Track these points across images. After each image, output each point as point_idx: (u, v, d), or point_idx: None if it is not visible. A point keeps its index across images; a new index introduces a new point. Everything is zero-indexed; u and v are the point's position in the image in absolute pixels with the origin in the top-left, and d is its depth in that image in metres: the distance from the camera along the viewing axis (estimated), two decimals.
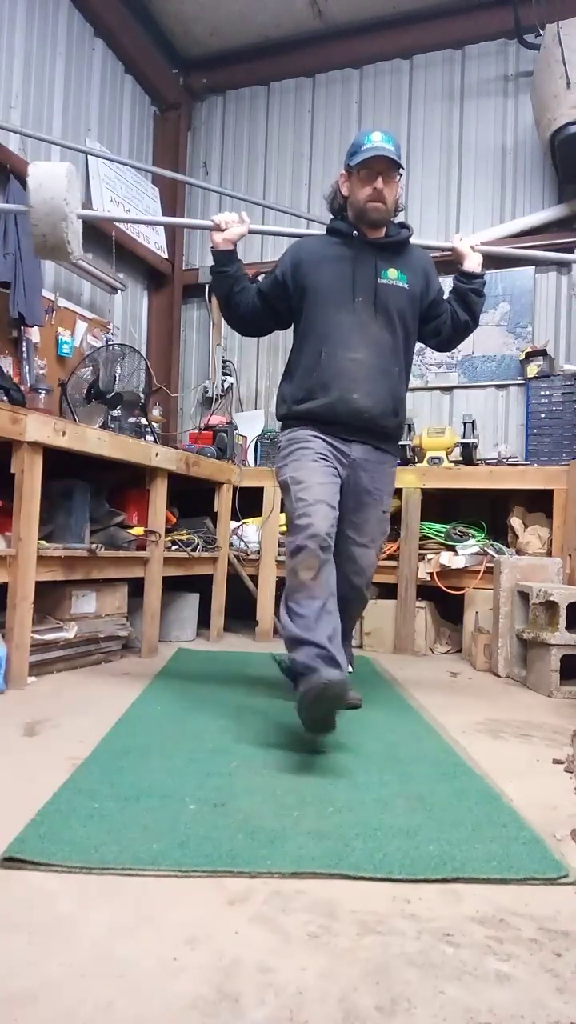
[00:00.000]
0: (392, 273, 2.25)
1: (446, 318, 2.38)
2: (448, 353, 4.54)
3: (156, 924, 1.02)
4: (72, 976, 0.89)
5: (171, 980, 0.89)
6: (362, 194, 2.19)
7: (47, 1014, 0.82)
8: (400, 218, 2.37)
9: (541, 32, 3.92)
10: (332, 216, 2.34)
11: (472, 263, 2.36)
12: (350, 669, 2.43)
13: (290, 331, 2.43)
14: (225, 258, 2.30)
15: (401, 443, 4.04)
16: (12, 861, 1.16)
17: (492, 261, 4.46)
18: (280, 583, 3.73)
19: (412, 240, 2.34)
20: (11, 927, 0.99)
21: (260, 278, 2.41)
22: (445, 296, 2.41)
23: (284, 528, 2.33)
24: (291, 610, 1.96)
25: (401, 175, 2.25)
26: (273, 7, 4.54)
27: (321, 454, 2.20)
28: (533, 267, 4.39)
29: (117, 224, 4.34)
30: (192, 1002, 0.85)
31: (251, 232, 2.37)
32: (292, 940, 0.99)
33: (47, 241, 2.11)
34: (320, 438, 2.23)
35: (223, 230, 2.27)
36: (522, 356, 4.31)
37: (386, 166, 2.16)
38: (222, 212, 2.34)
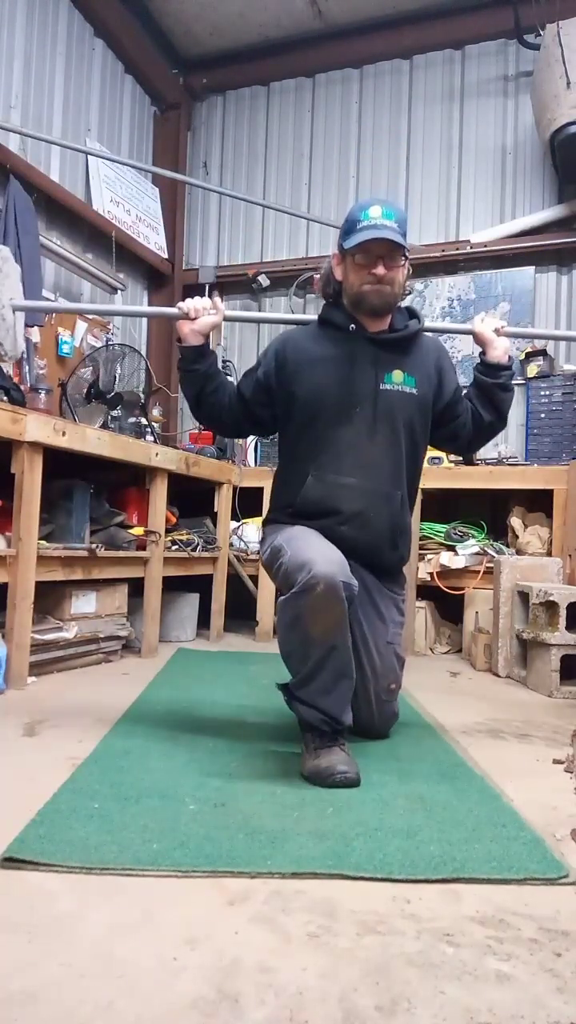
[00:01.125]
0: (397, 376, 1.88)
1: (465, 419, 2.00)
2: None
3: (156, 924, 1.02)
4: (72, 976, 0.89)
5: (171, 980, 0.89)
6: (359, 281, 1.83)
7: (47, 1014, 0.82)
8: (407, 301, 2.02)
9: (541, 32, 3.92)
10: (325, 302, 1.97)
11: (497, 351, 1.97)
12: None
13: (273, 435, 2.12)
14: (194, 354, 1.92)
15: None
16: (12, 861, 1.16)
17: (492, 261, 4.50)
18: None
19: (424, 326, 1.99)
20: (11, 927, 0.99)
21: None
22: (465, 392, 2.03)
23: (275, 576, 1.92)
24: (298, 663, 1.67)
25: (407, 258, 1.86)
26: (273, 7, 4.55)
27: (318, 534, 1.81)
28: (533, 267, 4.39)
29: (116, 224, 4.34)
30: (192, 1002, 0.85)
31: (227, 320, 2.04)
32: (292, 940, 0.99)
33: None
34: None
35: (192, 319, 1.92)
36: (522, 356, 4.31)
37: (388, 249, 1.80)
38: (190, 298, 1.97)
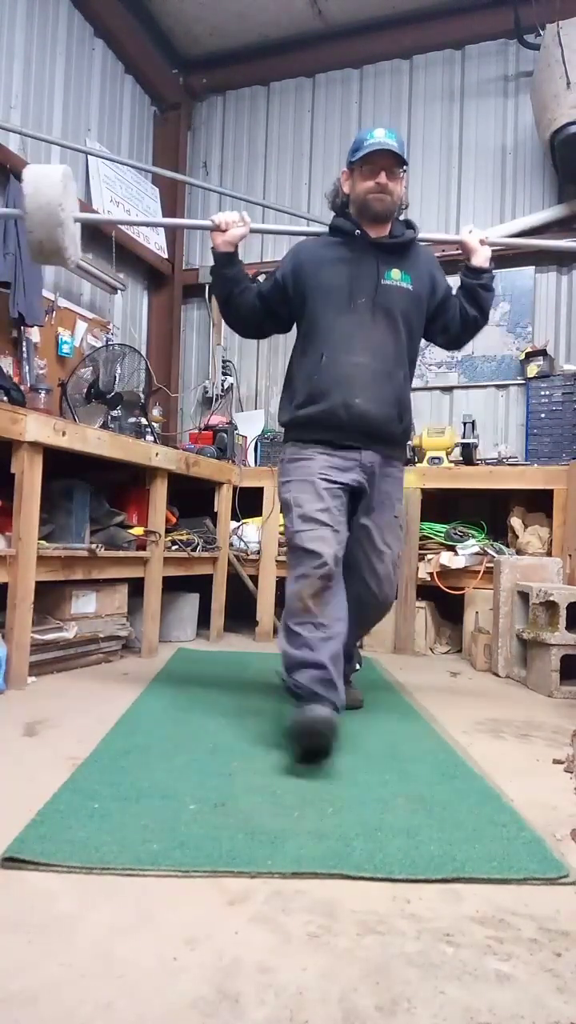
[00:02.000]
0: (395, 274, 2.17)
1: (454, 315, 2.30)
2: (448, 353, 4.55)
3: (156, 924, 1.02)
4: (72, 976, 0.89)
5: (171, 980, 0.89)
6: (364, 187, 2.12)
7: (47, 1014, 0.82)
8: (405, 216, 2.31)
9: (541, 32, 3.92)
10: (334, 214, 2.27)
11: (480, 258, 2.27)
12: (358, 667, 2.47)
13: (290, 331, 2.38)
14: (225, 260, 2.23)
15: None
16: (12, 861, 1.17)
17: (492, 261, 4.48)
18: (280, 583, 3.74)
19: (419, 236, 2.28)
20: (11, 927, 0.99)
21: (261, 278, 2.38)
22: (454, 292, 2.33)
23: (284, 529, 2.22)
24: (291, 631, 1.92)
25: (406, 171, 2.19)
26: (273, 7, 4.55)
27: (323, 474, 2.09)
28: (533, 267, 4.39)
29: (117, 224, 4.33)
30: (192, 1002, 0.85)
31: (253, 232, 2.30)
32: (292, 940, 0.99)
33: (44, 247, 2.06)
34: (323, 453, 2.13)
35: (223, 231, 2.20)
36: (522, 356, 4.31)
37: (390, 161, 2.11)
38: (222, 212, 2.26)
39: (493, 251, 2.30)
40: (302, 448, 2.17)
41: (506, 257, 4.39)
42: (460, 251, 2.32)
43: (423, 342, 2.38)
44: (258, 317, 2.30)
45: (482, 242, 2.28)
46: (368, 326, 2.15)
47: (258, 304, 2.27)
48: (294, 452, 2.20)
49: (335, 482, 2.10)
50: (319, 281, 2.19)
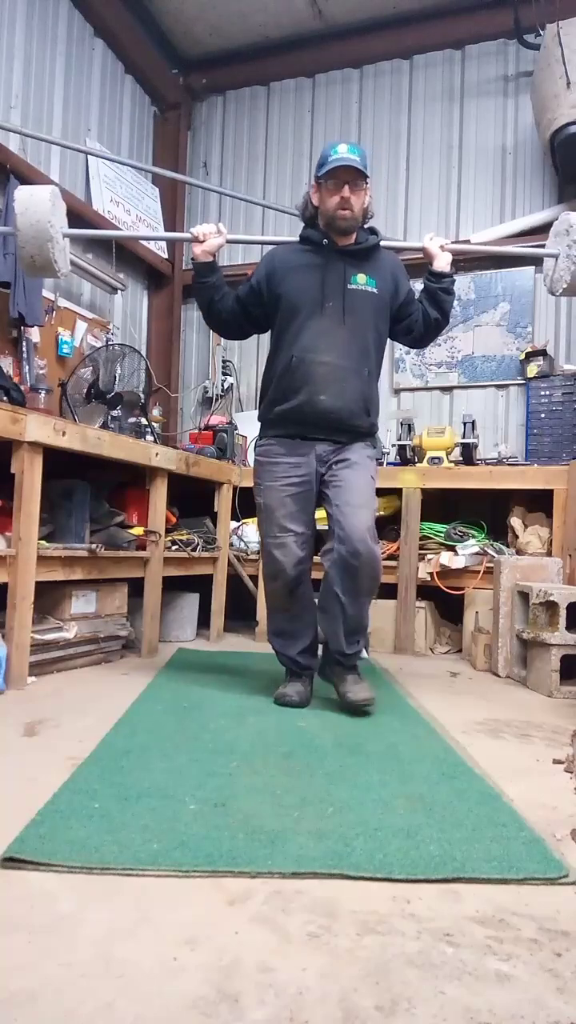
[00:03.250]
0: (361, 278, 2.33)
1: (417, 316, 2.44)
2: (448, 353, 4.55)
3: (156, 924, 1.02)
4: (72, 976, 0.89)
5: (171, 980, 0.89)
6: (330, 203, 2.28)
7: (47, 1014, 0.82)
8: (371, 224, 2.45)
9: (541, 32, 3.92)
10: (304, 225, 2.42)
11: (441, 263, 2.42)
12: (364, 655, 2.49)
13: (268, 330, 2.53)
14: (205, 269, 2.39)
15: (401, 443, 4.05)
16: (12, 861, 1.16)
17: (492, 261, 4.49)
18: None
19: (383, 244, 2.42)
20: (11, 927, 0.99)
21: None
22: (417, 296, 2.48)
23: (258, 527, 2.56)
24: (272, 622, 2.52)
25: (367, 183, 2.32)
26: (273, 7, 4.55)
27: (286, 476, 2.37)
28: (533, 267, 4.39)
29: (116, 224, 4.33)
30: (192, 1002, 0.85)
31: (230, 242, 2.46)
32: (292, 940, 0.99)
33: (35, 261, 2.21)
34: (286, 454, 2.38)
35: (202, 241, 2.36)
36: (522, 356, 4.31)
37: (353, 175, 2.26)
38: (202, 224, 2.43)
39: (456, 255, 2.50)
40: (269, 446, 2.42)
41: (507, 258, 4.40)
42: (422, 256, 2.46)
43: (390, 342, 2.55)
44: (238, 320, 2.47)
45: (443, 248, 2.43)
46: (336, 328, 2.31)
47: (237, 308, 2.44)
48: (263, 452, 2.45)
49: (297, 479, 2.36)
50: (290, 286, 2.35)
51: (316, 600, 2.45)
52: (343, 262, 2.34)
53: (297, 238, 2.43)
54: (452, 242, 2.56)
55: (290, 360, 2.33)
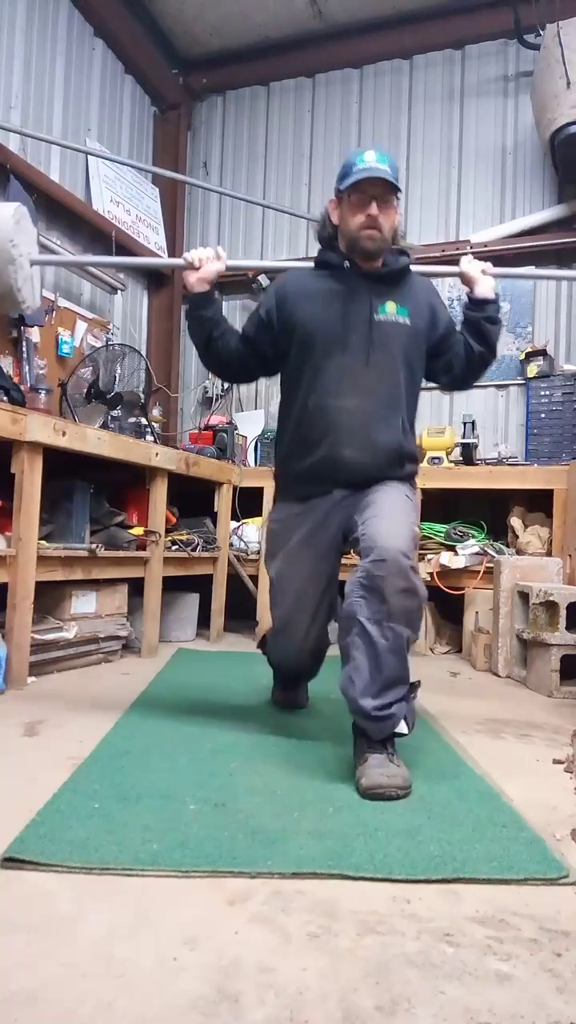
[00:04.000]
0: (390, 307, 1.94)
1: (459, 351, 2.05)
2: None
3: (156, 924, 1.02)
4: (72, 976, 0.89)
5: (171, 980, 0.89)
6: (354, 222, 1.88)
7: (47, 1014, 0.82)
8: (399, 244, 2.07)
9: (541, 32, 3.92)
10: (321, 246, 2.05)
11: (484, 288, 2.04)
12: (403, 729, 1.70)
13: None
14: (201, 300, 2.02)
15: None
16: (12, 861, 1.16)
17: (492, 261, 4.46)
18: None
19: (413, 267, 2.05)
20: (11, 927, 0.99)
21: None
22: (458, 327, 2.09)
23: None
24: (275, 670, 2.32)
25: (399, 199, 1.95)
26: (273, 7, 4.54)
27: (303, 542, 1.97)
28: (533, 267, 4.38)
29: (116, 224, 4.34)
30: (192, 1002, 0.85)
31: (230, 268, 2.12)
32: (292, 940, 0.99)
33: None
34: (304, 520, 1.98)
35: (197, 268, 2.01)
36: (522, 356, 4.31)
37: (381, 189, 1.86)
38: (198, 248, 2.06)
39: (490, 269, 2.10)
40: (285, 516, 2.04)
41: (506, 257, 4.40)
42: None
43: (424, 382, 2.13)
44: (243, 361, 2.10)
45: (484, 271, 2.07)
46: (361, 367, 1.92)
47: (242, 347, 2.07)
48: (277, 516, 2.08)
49: (317, 547, 1.97)
50: (306, 318, 1.97)
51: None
52: (368, 288, 1.94)
53: (311, 261, 2.05)
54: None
55: (306, 406, 1.95)
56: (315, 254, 2.04)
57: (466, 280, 2.08)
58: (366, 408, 1.92)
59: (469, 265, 2.08)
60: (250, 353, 2.07)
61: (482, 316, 2.03)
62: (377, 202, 1.86)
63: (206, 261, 2.02)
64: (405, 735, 1.70)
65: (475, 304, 2.05)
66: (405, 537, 1.70)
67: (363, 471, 1.92)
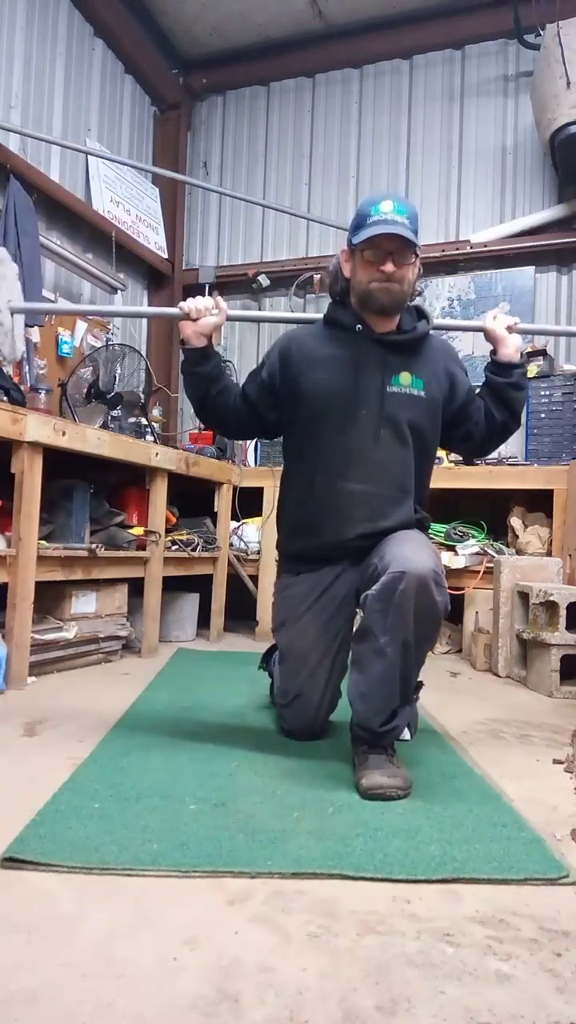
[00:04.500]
0: (405, 378, 1.81)
1: (479, 419, 1.92)
2: None
3: (156, 924, 1.02)
4: (72, 976, 0.89)
5: (171, 980, 0.89)
6: (367, 277, 1.75)
7: (47, 1014, 0.82)
8: (416, 302, 1.92)
9: (541, 32, 3.92)
10: (332, 301, 1.91)
11: (509, 349, 1.89)
12: (406, 736, 1.80)
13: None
14: (198, 356, 1.87)
15: None
16: (12, 861, 1.16)
17: (492, 261, 4.50)
18: None
19: (432, 328, 1.90)
20: (11, 927, 0.99)
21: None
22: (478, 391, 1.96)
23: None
24: (280, 706, 2.01)
25: (418, 256, 1.79)
26: (273, 7, 4.55)
27: (312, 610, 1.86)
28: (533, 267, 4.39)
29: (116, 224, 4.34)
30: (192, 1002, 0.85)
31: (230, 320, 1.99)
32: (292, 940, 0.99)
33: None
34: (313, 581, 1.88)
35: (194, 320, 1.86)
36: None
37: (398, 246, 1.71)
38: (192, 298, 1.90)
39: (511, 328, 1.92)
40: (293, 586, 1.92)
41: (506, 257, 4.41)
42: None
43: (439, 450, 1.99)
44: (242, 422, 1.98)
45: (510, 329, 1.90)
46: (370, 444, 1.78)
47: (241, 406, 1.94)
48: (283, 584, 1.96)
49: (327, 609, 1.86)
50: (313, 388, 1.83)
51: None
52: (381, 356, 1.80)
53: (320, 317, 1.93)
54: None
55: (310, 487, 1.83)
56: (321, 310, 1.91)
57: (490, 339, 1.93)
58: (375, 490, 1.79)
59: (494, 323, 1.92)
60: (249, 415, 1.95)
61: (507, 382, 1.89)
62: (393, 259, 1.72)
63: (204, 312, 1.87)
64: (407, 741, 1.71)
65: (499, 368, 1.91)
66: (428, 555, 1.62)
67: (370, 548, 1.77)
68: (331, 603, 1.86)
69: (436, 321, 1.92)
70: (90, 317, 4.16)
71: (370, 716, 1.62)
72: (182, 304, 1.89)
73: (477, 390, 1.97)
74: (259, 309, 4.93)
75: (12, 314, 1.86)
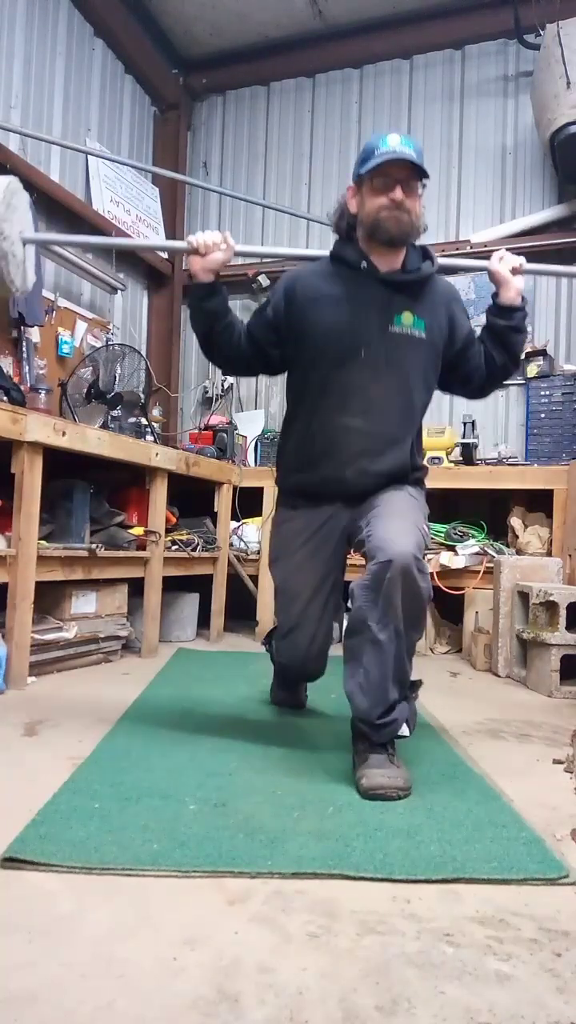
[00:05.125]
0: (407, 319, 1.81)
1: (478, 363, 1.95)
2: None
3: (156, 924, 1.02)
4: (72, 976, 0.89)
5: (171, 980, 0.89)
6: (376, 204, 1.74)
7: (47, 1014, 0.82)
8: (421, 240, 1.90)
9: (541, 32, 3.92)
10: (338, 238, 1.90)
11: (511, 292, 1.89)
12: (405, 732, 1.72)
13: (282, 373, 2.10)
14: (205, 290, 1.87)
15: None
16: (12, 861, 1.16)
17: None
18: None
19: (438, 265, 1.89)
20: (11, 927, 0.99)
21: (261, 278, 2.16)
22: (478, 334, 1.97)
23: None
24: (279, 668, 2.28)
25: (425, 186, 1.79)
26: (273, 7, 4.54)
27: (306, 547, 1.93)
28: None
29: (116, 224, 4.34)
30: (192, 1002, 0.85)
31: (238, 255, 1.95)
32: (292, 940, 0.99)
33: None
34: (306, 525, 1.94)
35: (202, 255, 1.86)
36: (522, 356, 4.31)
37: (407, 173, 1.72)
38: (204, 231, 1.91)
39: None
40: (286, 517, 2.00)
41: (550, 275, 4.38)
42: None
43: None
44: (244, 358, 1.98)
45: (515, 270, 1.89)
46: (369, 382, 1.81)
47: (244, 344, 1.94)
48: (279, 520, 2.04)
49: (321, 549, 1.93)
50: (315, 324, 1.84)
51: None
52: (384, 295, 1.81)
53: (327, 253, 1.91)
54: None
55: (311, 420, 1.87)
56: (325, 247, 1.93)
57: (494, 279, 1.92)
58: (373, 427, 1.83)
59: (500, 264, 1.90)
60: (254, 352, 1.95)
61: (508, 324, 1.90)
62: (402, 186, 1.73)
63: (212, 248, 1.86)
64: (406, 737, 1.71)
65: (501, 311, 1.91)
66: (413, 537, 1.64)
67: (364, 491, 1.85)
68: (325, 543, 1.93)
69: (440, 261, 1.92)
70: (90, 317, 4.17)
71: (369, 709, 1.62)
72: (191, 238, 1.89)
73: (477, 332, 1.98)
74: None
75: (24, 244, 1.85)
